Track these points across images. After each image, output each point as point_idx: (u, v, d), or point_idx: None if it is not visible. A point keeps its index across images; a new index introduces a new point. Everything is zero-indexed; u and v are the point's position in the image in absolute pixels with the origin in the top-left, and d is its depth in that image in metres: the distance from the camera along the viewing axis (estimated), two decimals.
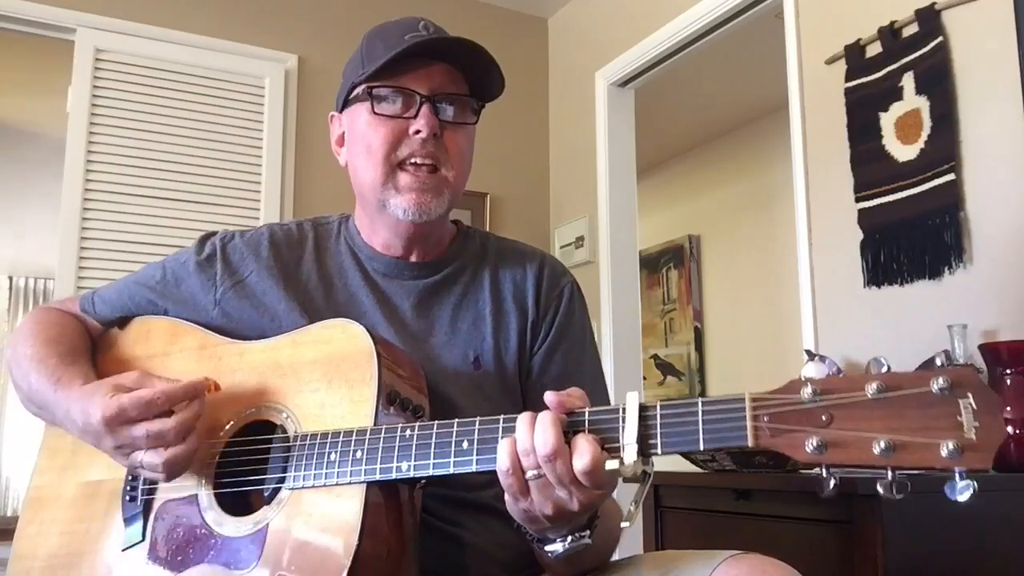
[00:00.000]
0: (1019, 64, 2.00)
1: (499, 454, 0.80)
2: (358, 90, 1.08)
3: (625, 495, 0.84)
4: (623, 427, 0.77)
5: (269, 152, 3.31)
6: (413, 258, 1.13)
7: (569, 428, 0.79)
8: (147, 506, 1.00)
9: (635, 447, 0.76)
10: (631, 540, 2.14)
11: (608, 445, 0.78)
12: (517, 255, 1.18)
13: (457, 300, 1.12)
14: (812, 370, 0.62)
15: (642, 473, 0.77)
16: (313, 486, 0.89)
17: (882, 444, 0.67)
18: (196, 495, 0.97)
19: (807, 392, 0.71)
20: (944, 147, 2.12)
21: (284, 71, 3.37)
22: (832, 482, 0.70)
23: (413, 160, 1.04)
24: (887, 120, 2.27)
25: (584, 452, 0.76)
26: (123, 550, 1.00)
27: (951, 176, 2.09)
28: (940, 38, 2.15)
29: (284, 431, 0.95)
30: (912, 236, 2.18)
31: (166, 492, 1.00)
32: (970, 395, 0.66)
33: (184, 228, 3.05)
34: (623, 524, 0.79)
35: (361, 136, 1.07)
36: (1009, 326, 1.97)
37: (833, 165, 2.43)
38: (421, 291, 1.12)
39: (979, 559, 1.59)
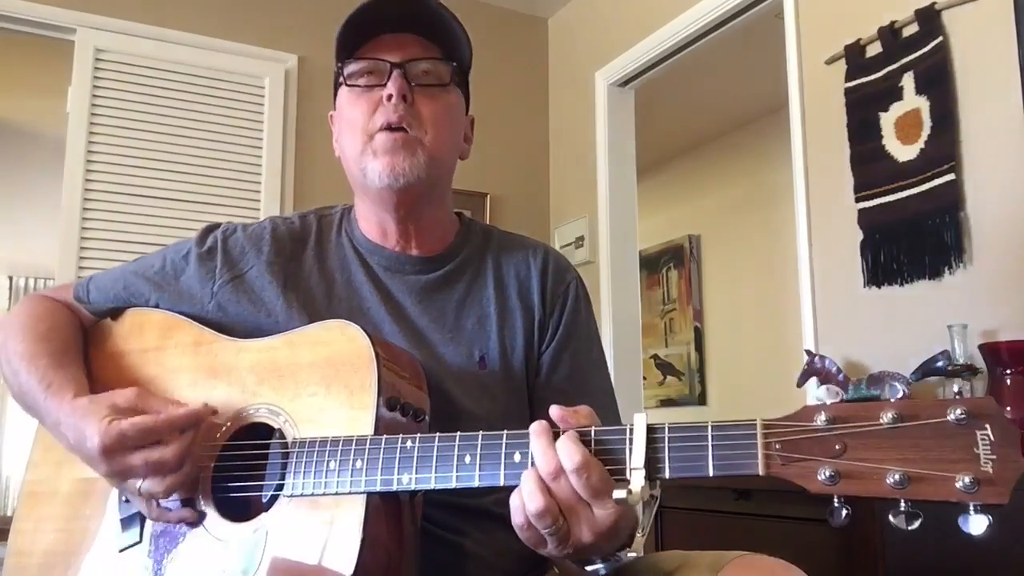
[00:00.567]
0: (1019, 64, 2.00)
1: (528, 497, 0.76)
2: (340, 76, 1.09)
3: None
4: (630, 450, 0.75)
5: (269, 152, 3.31)
6: (414, 251, 1.11)
7: None
8: None
9: (642, 472, 0.73)
10: None
11: (612, 467, 0.75)
12: (520, 249, 1.17)
13: (461, 297, 1.11)
14: (823, 394, 0.61)
15: (650, 497, 0.74)
16: (312, 494, 0.88)
17: (896, 476, 0.66)
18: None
19: (821, 419, 0.69)
20: (944, 147, 2.12)
21: (284, 71, 3.37)
22: (844, 512, 0.68)
23: (387, 125, 1.04)
24: (887, 120, 2.27)
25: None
26: (120, 551, 0.99)
27: (951, 176, 2.09)
28: (940, 38, 2.15)
29: (282, 435, 0.94)
30: (912, 236, 2.18)
31: None
32: (988, 426, 0.65)
33: (184, 228, 3.05)
34: (631, 554, 0.78)
35: (344, 115, 1.09)
36: (1009, 326, 1.97)
37: (833, 165, 2.43)
38: (424, 287, 1.10)
39: (979, 559, 1.59)
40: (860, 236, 2.32)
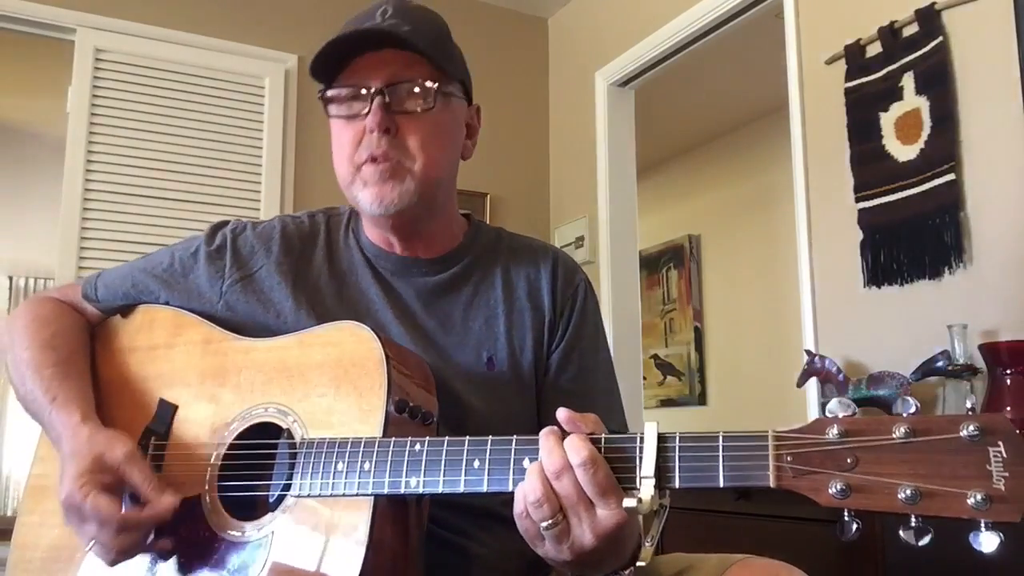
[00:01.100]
0: (1019, 64, 2.00)
1: (529, 483, 0.76)
2: (323, 103, 1.06)
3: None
4: (641, 458, 0.74)
5: (269, 152, 3.31)
6: (421, 254, 1.11)
7: None
8: None
9: (652, 481, 0.72)
10: None
11: (621, 475, 0.75)
12: (529, 251, 1.17)
13: (468, 298, 1.10)
14: (835, 407, 0.61)
15: (659, 507, 0.73)
16: (320, 495, 0.88)
17: (908, 491, 0.65)
18: (200, 496, 0.96)
19: (833, 432, 0.69)
20: (944, 147, 2.12)
21: (284, 71, 3.37)
22: (855, 526, 0.68)
23: (372, 158, 1.02)
24: (887, 120, 2.27)
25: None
26: None
27: (951, 176, 2.10)
28: (940, 38, 2.15)
29: (290, 435, 0.94)
30: (912, 236, 2.18)
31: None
32: (1001, 443, 0.64)
33: (184, 228, 3.05)
34: (638, 563, 0.77)
35: (333, 140, 1.07)
36: (1009, 326, 1.97)
37: (833, 165, 2.43)
38: (431, 288, 1.10)
39: (980, 559, 1.59)
40: (860, 236, 2.32)
